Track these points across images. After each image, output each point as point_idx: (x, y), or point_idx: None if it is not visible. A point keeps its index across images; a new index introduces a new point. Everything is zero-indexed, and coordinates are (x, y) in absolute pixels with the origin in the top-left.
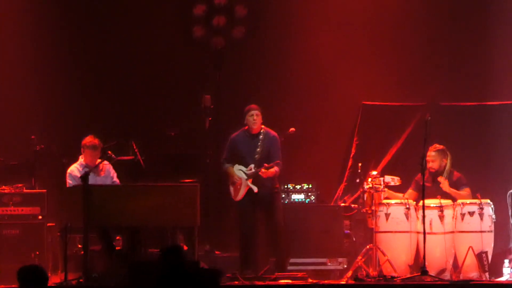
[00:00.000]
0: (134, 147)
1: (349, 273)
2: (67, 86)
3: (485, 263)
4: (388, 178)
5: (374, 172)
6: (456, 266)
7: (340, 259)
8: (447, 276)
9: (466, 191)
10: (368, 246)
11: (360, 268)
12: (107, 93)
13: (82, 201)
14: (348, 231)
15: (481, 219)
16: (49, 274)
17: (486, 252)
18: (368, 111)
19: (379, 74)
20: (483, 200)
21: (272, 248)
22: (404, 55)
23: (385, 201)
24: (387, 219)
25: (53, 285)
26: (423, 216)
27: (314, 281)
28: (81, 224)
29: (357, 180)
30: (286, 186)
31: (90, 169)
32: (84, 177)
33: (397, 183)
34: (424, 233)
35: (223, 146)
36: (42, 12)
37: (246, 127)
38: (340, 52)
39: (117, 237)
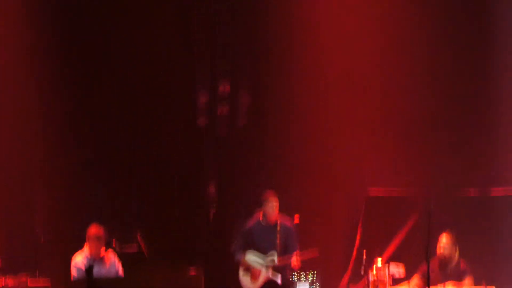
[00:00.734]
0: (139, 239)
1: None
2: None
3: None
4: (393, 267)
5: (379, 261)
6: None
7: None
8: None
9: (469, 279)
10: None
11: None
12: (113, 182)
13: None
14: None
15: None
16: None
17: None
18: (373, 204)
19: (383, 161)
20: (489, 287)
21: None
22: (408, 140)
23: None
24: None
25: None
26: None
27: None
28: None
29: (362, 272)
30: (290, 278)
31: (95, 261)
32: (89, 270)
33: (402, 276)
34: None
35: (227, 236)
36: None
37: (261, 216)
38: (346, 138)
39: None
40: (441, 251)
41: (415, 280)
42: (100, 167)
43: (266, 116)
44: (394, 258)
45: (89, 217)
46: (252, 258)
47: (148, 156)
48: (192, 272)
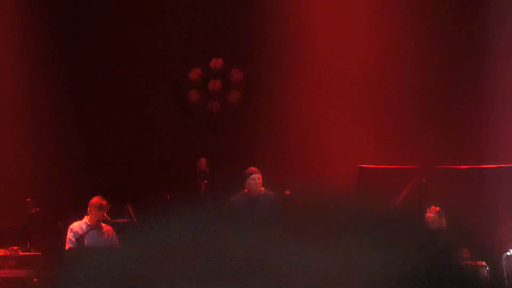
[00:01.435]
0: (130, 210)
1: None
2: (64, 149)
3: None
4: None
5: None
6: None
7: None
8: None
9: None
10: None
11: None
12: (104, 156)
13: None
14: None
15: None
16: None
17: None
18: (365, 174)
19: (376, 137)
20: (478, 262)
21: None
22: (400, 119)
23: None
24: None
25: None
26: None
27: None
28: None
29: None
30: None
31: (93, 229)
32: (83, 237)
33: None
34: None
35: (219, 210)
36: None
37: (246, 190)
38: (337, 116)
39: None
40: (429, 226)
41: None
42: (92, 139)
43: (259, 92)
44: None
45: (81, 189)
46: None
47: (140, 131)
48: None
